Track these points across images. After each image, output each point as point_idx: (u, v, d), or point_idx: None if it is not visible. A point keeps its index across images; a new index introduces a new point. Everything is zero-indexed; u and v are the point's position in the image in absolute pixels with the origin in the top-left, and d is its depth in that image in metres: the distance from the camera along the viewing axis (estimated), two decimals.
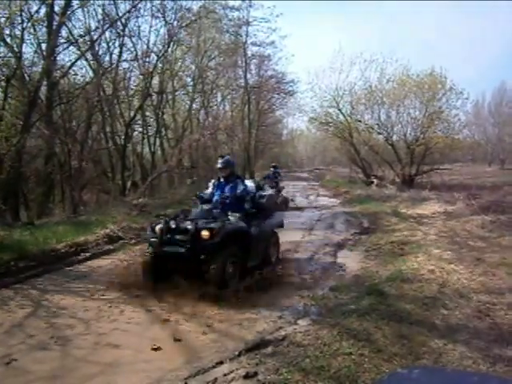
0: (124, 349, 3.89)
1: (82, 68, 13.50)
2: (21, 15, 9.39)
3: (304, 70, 32.32)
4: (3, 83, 10.40)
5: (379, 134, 23.78)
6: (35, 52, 11.15)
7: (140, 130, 17.43)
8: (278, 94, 26.07)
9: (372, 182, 21.84)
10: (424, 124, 21.77)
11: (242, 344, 3.86)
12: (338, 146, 29.08)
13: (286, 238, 8.92)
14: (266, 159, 38.34)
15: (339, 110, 24.08)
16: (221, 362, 3.53)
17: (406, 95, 22.18)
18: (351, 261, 7.03)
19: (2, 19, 9.63)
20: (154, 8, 14.07)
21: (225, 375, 3.32)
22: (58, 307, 5.02)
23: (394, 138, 23.41)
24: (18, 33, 9.96)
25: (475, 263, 6.34)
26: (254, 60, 23.35)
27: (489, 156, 51.34)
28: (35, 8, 10.23)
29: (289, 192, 20.72)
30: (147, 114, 17.05)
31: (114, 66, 14.29)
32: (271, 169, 14.50)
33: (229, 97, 23.60)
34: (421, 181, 21.78)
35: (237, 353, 3.67)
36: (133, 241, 8.44)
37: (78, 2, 11.52)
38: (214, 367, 3.46)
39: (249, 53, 22.18)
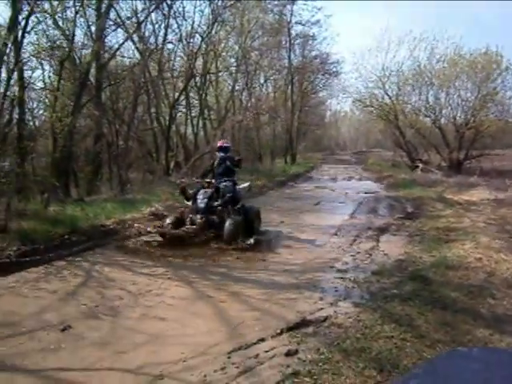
0: (169, 322, 4.04)
1: (128, 50, 13.72)
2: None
3: (348, 50, 31.34)
4: (54, 66, 10.81)
5: (426, 116, 22.87)
6: (85, 35, 11.48)
7: (183, 111, 17.55)
8: (322, 74, 25.43)
9: (417, 167, 21.12)
10: (475, 106, 20.68)
11: (284, 323, 3.91)
12: (382, 128, 28.25)
13: (326, 221, 8.93)
14: (309, 141, 37.93)
15: (385, 91, 23.32)
16: (262, 339, 3.60)
17: (457, 76, 21.09)
18: (394, 245, 6.90)
19: (55, 3, 9.93)
20: None
21: (266, 352, 3.39)
22: (108, 279, 5.28)
23: (442, 120, 22.44)
24: (69, 16, 10.24)
25: None
26: (298, 40, 22.86)
27: None
28: None
29: (331, 174, 20.55)
30: (191, 95, 17.13)
31: (159, 47, 14.41)
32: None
33: (272, 78, 23.18)
34: (469, 166, 20.82)
35: (278, 331, 3.73)
36: None
37: None
38: (255, 344, 3.54)
39: (293, 32, 21.78)
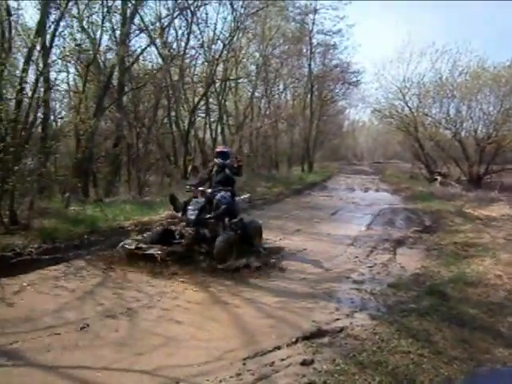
0: (185, 325, 4.08)
1: (150, 54, 13.89)
2: (102, 4, 9.83)
3: (368, 60, 31.25)
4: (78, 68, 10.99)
5: (447, 129, 22.59)
6: (109, 38, 11.67)
7: (203, 115, 17.64)
8: (341, 84, 25.38)
9: (435, 179, 20.87)
10: (498, 120, 20.35)
11: (299, 332, 3.91)
12: (400, 139, 28.01)
13: (343, 231, 8.90)
14: (326, 150, 37.80)
15: (405, 102, 23.16)
16: (278, 347, 3.61)
17: (479, 89, 20.81)
18: (411, 259, 6.83)
19: (82, 6, 10.15)
20: None
21: (282, 360, 3.40)
22: (125, 280, 5.35)
23: (463, 134, 22.12)
24: (94, 20, 10.42)
25: None
26: (319, 49, 22.85)
27: None
28: None
29: (348, 184, 20.47)
30: (210, 100, 17.22)
31: (181, 52, 14.54)
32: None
33: (291, 86, 23.20)
34: (490, 181, 20.49)
35: (294, 339, 3.73)
36: None
37: None
38: (271, 351, 3.55)
39: (314, 41, 21.77)
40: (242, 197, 7.32)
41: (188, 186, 6.83)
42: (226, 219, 6.46)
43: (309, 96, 23.23)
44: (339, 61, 24.05)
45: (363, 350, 3.57)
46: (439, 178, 20.95)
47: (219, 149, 7.13)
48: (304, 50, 21.65)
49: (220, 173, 6.65)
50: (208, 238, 6.05)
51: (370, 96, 24.44)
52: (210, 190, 6.41)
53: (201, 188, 6.42)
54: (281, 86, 22.58)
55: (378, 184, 22.82)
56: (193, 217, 6.05)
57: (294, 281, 5.53)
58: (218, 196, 6.30)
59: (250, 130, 17.49)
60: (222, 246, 5.77)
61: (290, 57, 20.20)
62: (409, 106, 23.17)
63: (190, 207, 6.15)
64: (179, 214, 6.35)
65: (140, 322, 4.16)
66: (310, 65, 22.31)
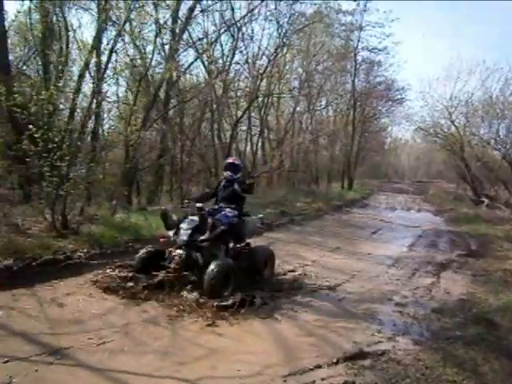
0: (227, 338, 4.12)
1: (196, 68, 14.20)
2: (156, 23, 10.18)
3: (415, 77, 30.60)
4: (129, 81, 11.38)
5: (495, 149, 21.75)
6: (158, 53, 12.08)
7: (244, 129, 17.81)
8: (385, 101, 25.02)
9: (482, 202, 20.04)
10: None
11: (340, 352, 3.87)
12: (445, 159, 27.19)
13: (384, 251, 8.72)
14: (367, 167, 37.22)
15: (451, 121, 22.53)
16: (319, 366, 3.58)
17: None
18: (456, 284, 6.60)
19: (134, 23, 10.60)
20: (268, 12, 14.26)
21: (323, 379, 3.37)
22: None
23: None
24: (147, 36, 10.81)
25: None
26: (364, 66, 22.65)
27: None
28: (162, 15, 11.02)
29: (388, 203, 20.06)
30: (252, 114, 17.39)
31: (226, 67, 14.81)
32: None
33: (334, 101, 23.11)
34: None
35: (335, 360, 3.69)
36: None
37: (199, 9, 12.18)
38: (312, 370, 3.53)
39: (359, 58, 21.62)
40: (252, 218, 6.12)
41: (186, 201, 6.04)
42: (231, 243, 5.53)
43: (351, 112, 22.97)
44: (384, 78, 23.76)
45: (406, 376, 3.49)
46: (486, 200, 20.10)
47: (230, 160, 6.09)
48: (348, 67, 21.52)
49: (227, 188, 5.75)
50: (200, 264, 5.03)
51: (414, 114, 24.01)
52: (209, 208, 5.54)
53: (198, 204, 5.25)
54: (323, 102, 22.51)
55: (420, 204, 22.20)
56: (184, 237, 5.10)
57: (334, 300, 5.47)
58: (219, 215, 5.39)
59: (291, 146, 17.51)
60: (212, 277, 4.72)
61: (334, 73, 20.09)
62: (455, 125, 22.51)
63: (182, 225, 5.19)
64: (171, 233, 5.33)
65: (182, 331, 4.24)
66: (353, 81, 22.12)
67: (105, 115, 10.74)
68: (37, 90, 6.72)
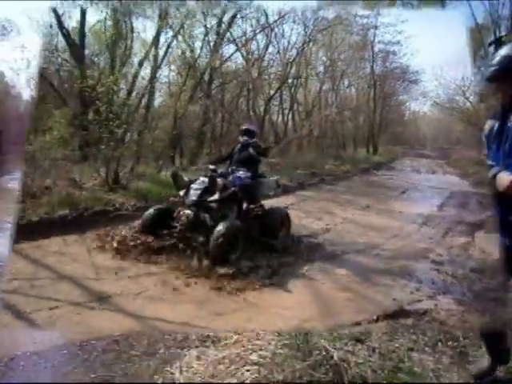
0: (264, 292, 3.64)
1: (235, 58, 14.68)
2: (205, 27, 11.22)
3: (428, 62, 28.56)
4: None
5: None
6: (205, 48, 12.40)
7: (276, 103, 18.00)
8: (402, 81, 24.17)
9: None
10: None
11: (379, 309, 3.30)
12: (461, 129, 25.36)
13: (414, 210, 7.94)
14: (389, 135, 35.46)
15: (466, 98, 20.84)
16: (358, 323, 3.04)
17: None
18: (490, 244, 5.79)
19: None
20: (296, 17, 14.89)
21: (363, 335, 2.82)
22: None
23: None
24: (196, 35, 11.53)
25: None
26: (380, 55, 22.00)
27: None
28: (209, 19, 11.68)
29: (413, 166, 18.93)
30: (283, 92, 17.27)
31: (260, 57, 15.05)
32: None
33: (355, 82, 22.56)
34: None
35: (375, 317, 3.14)
36: None
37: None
38: (350, 326, 2.99)
39: (375, 49, 21.12)
40: (267, 179, 5.40)
41: (201, 165, 5.39)
42: (245, 204, 4.83)
43: (372, 90, 22.27)
44: (399, 64, 22.97)
45: (451, 338, 2.88)
46: None
47: (245, 126, 5.50)
48: (366, 56, 21.04)
49: (242, 152, 5.11)
50: (208, 226, 4.30)
51: (430, 91, 22.58)
52: (223, 170, 4.97)
53: (211, 166, 4.85)
54: (346, 83, 22.12)
55: (445, 168, 20.69)
56: (193, 197, 4.45)
57: (368, 255, 4.87)
58: (232, 176, 4.77)
59: (319, 117, 17.18)
60: (217, 239, 3.97)
61: (355, 60, 19.78)
62: (470, 101, 20.80)
63: (193, 186, 4.57)
64: (181, 193, 4.69)
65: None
66: (372, 66, 21.43)
67: (157, 94, 11.73)
68: (105, 75, 7.69)
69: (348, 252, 4.90)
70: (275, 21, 13.88)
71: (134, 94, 9.15)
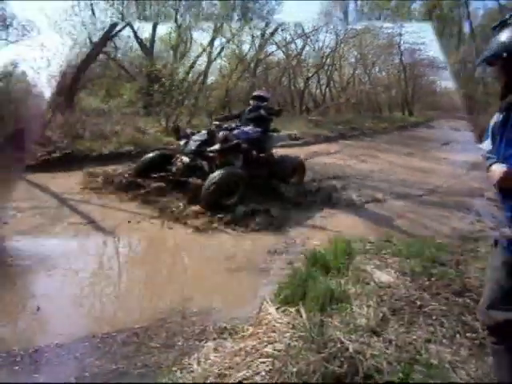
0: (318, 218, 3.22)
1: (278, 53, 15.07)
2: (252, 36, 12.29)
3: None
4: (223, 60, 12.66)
5: None
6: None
7: (314, 82, 17.46)
8: (431, 68, 21.98)
9: None
10: None
11: (439, 235, 2.76)
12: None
13: (459, 157, 7.02)
14: (423, 104, 33.06)
15: None
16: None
17: None
18: None
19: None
20: (328, 28, 15.24)
21: None
22: None
23: None
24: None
25: None
26: (407, 51, 20.05)
27: None
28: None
29: (451, 126, 17.24)
30: (320, 76, 17.19)
31: (299, 53, 15.43)
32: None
33: (386, 68, 20.76)
34: None
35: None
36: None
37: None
38: None
39: (402, 48, 19.20)
40: (281, 133, 4.87)
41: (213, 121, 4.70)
42: (254, 152, 4.29)
43: (402, 74, 20.56)
44: (426, 56, 20.74)
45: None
46: None
47: (256, 93, 4.87)
48: (394, 51, 19.28)
49: (252, 112, 4.51)
50: (204, 171, 3.86)
51: None
52: (229, 125, 4.34)
53: (215, 122, 4.43)
54: (377, 69, 20.60)
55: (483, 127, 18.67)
56: (192, 147, 4.02)
57: (420, 190, 4.24)
58: (237, 131, 4.20)
59: (354, 91, 16.64)
60: (211, 184, 3.45)
61: (383, 54, 18.51)
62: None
63: (194, 137, 4.14)
64: (181, 143, 4.24)
65: None
66: (401, 59, 19.51)
67: (211, 77, 12.32)
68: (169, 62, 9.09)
69: (396, 188, 4.29)
70: (311, 31, 14.83)
71: (191, 75, 10.35)
